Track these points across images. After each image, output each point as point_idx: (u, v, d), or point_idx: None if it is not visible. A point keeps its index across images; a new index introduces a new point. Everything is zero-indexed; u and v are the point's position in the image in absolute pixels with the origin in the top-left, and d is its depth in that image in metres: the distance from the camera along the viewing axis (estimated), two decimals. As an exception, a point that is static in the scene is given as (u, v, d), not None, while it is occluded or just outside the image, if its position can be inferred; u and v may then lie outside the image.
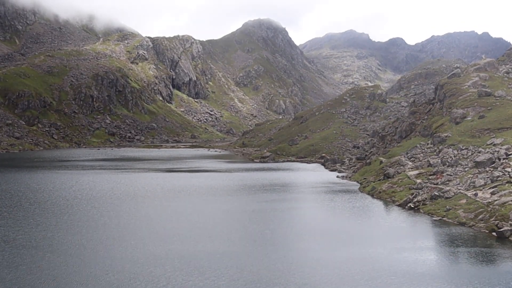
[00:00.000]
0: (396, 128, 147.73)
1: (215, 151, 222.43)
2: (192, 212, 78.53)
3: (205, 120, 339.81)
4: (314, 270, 49.25)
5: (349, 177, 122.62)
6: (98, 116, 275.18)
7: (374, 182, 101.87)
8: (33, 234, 61.18)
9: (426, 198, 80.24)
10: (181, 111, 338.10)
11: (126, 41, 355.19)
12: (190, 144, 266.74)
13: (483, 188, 76.27)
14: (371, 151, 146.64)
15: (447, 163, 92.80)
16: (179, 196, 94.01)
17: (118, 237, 61.25)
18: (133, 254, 53.15)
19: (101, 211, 77.00)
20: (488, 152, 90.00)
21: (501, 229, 61.79)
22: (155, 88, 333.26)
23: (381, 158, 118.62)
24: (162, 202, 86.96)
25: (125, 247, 55.98)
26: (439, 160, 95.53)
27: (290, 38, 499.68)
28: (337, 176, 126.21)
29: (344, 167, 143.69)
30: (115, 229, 65.69)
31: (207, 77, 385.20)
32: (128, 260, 51.03)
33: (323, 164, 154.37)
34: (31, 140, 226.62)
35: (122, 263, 50.09)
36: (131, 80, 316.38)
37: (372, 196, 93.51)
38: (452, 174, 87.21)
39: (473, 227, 66.40)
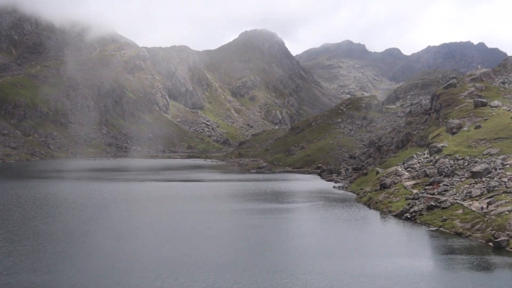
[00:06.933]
0: (393, 138, 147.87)
1: (212, 161, 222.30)
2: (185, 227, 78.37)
3: (201, 131, 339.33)
4: (310, 278, 49.20)
5: (346, 188, 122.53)
6: (95, 127, 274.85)
7: (370, 192, 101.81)
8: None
9: (422, 208, 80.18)
10: (178, 121, 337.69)
11: (122, 52, 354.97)
12: (187, 154, 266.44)
13: (480, 198, 76.26)
14: (368, 162, 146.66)
15: (443, 173, 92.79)
16: (179, 211, 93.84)
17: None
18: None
19: (89, 220, 77.04)
20: (484, 162, 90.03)
21: (498, 239, 61.76)
22: (151, 98, 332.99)
23: (378, 169, 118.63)
24: (160, 218, 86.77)
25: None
26: (436, 170, 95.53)
27: (287, 49, 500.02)
28: (334, 187, 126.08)
29: (341, 178, 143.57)
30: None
31: (203, 88, 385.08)
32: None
33: (319, 175, 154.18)
34: (27, 150, 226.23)
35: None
36: (128, 91, 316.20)
37: (369, 206, 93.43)
38: (448, 184, 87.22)
39: (469, 237, 66.36)
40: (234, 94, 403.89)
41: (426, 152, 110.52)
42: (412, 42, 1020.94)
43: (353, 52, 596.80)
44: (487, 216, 68.66)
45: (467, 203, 75.91)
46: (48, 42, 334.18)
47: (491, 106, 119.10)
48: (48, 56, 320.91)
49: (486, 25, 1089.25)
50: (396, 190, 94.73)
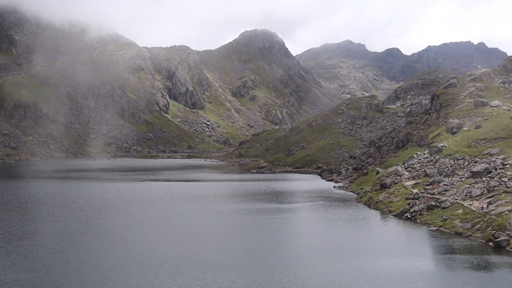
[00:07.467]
0: (393, 138, 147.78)
1: (212, 161, 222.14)
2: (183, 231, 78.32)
3: (201, 131, 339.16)
4: (310, 278, 49.17)
5: (346, 187, 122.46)
6: (95, 127, 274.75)
7: (371, 192, 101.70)
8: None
9: (423, 208, 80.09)
10: (178, 121, 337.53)
11: (122, 52, 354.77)
12: (187, 154, 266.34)
13: (480, 198, 76.18)
14: (368, 161, 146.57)
15: (443, 173, 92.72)
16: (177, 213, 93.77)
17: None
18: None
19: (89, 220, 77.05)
20: (484, 162, 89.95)
21: (498, 239, 61.68)
22: (151, 98, 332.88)
23: (378, 168, 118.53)
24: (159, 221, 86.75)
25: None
26: (436, 170, 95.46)
27: (287, 49, 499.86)
28: (334, 187, 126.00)
29: (341, 177, 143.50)
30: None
31: (203, 88, 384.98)
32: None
33: (320, 175, 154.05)
34: (27, 150, 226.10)
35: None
36: (128, 91, 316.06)
37: (369, 206, 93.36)
38: (448, 184, 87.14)
39: (470, 237, 66.28)
40: (234, 94, 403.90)
41: (426, 152, 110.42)
42: (412, 42, 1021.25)
43: (353, 52, 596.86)
44: (487, 216, 68.59)
45: (467, 203, 75.83)
46: (48, 42, 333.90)
47: (491, 106, 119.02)
48: (48, 56, 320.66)
49: (486, 25, 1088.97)
50: (396, 190, 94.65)
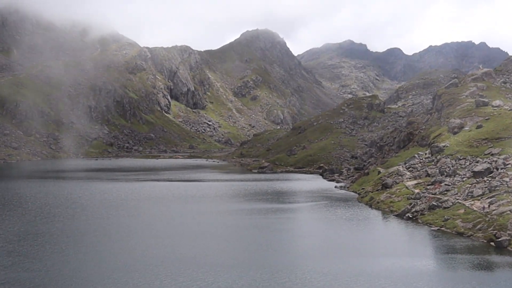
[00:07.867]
0: (394, 138, 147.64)
1: (213, 161, 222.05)
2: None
3: (203, 131, 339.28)
4: (310, 277, 49.06)
5: (347, 187, 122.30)
6: (96, 127, 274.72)
7: (372, 192, 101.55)
8: None
9: (424, 208, 79.94)
10: (179, 121, 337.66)
11: (124, 52, 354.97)
12: (188, 154, 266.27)
13: (481, 197, 76.01)
14: (369, 161, 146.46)
15: (445, 173, 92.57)
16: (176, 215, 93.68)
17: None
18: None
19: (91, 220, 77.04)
20: (486, 162, 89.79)
21: (499, 239, 61.54)
22: (153, 98, 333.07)
23: (379, 168, 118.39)
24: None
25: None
26: (437, 170, 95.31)
27: (288, 49, 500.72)
28: (335, 186, 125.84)
29: (342, 177, 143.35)
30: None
31: (205, 88, 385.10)
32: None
33: (321, 174, 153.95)
34: (28, 150, 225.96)
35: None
36: (129, 91, 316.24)
37: (371, 206, 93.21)
38: (450, 184, 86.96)
39: (471, 237, 66.14)
40: (235, 94, 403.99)
41: (427, 152, 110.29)
42: (414, 42, 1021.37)
43: (354, 52, 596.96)
44: (489, 216, 68.44)
45: (469, 202, 75.68)
46: (49, 42, 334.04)
47: (492, 106, 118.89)
48: (49, 56, 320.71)
49: (486, 25, 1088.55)
50: (398, 190, 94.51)
